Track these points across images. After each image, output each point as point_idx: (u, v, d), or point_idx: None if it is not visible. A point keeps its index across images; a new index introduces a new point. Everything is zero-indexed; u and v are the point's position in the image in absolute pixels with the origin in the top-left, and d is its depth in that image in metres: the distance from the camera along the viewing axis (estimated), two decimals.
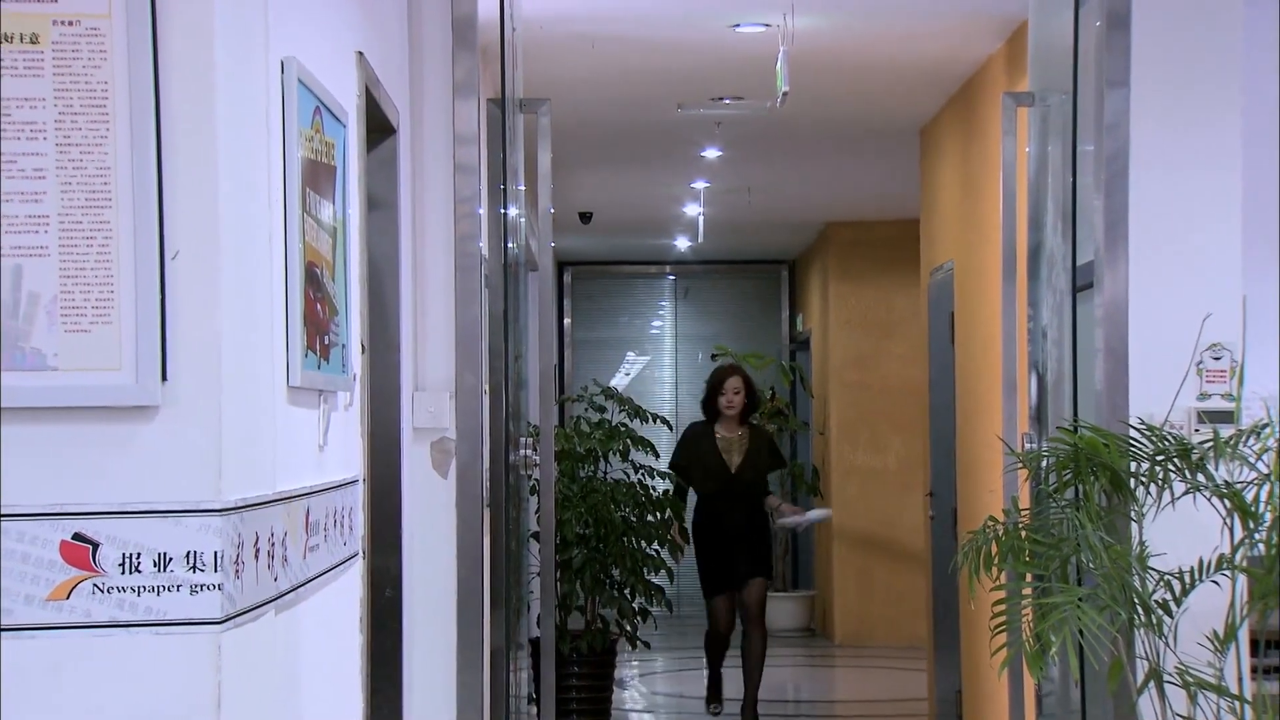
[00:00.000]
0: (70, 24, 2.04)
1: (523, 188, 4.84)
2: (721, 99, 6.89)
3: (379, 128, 3.59)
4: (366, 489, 3.32)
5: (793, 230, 11.66)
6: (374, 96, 3.36)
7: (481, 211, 4.20)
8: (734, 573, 7.35)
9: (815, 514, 8.74)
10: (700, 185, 9.39)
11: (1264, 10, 4.28)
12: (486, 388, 4.39)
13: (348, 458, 3.09)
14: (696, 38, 5.93)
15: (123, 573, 2.07)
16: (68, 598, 2.07)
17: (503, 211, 4.51)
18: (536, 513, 5.53)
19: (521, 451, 4.63)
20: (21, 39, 2.03)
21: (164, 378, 2.09)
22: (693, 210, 10.20)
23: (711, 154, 8.27)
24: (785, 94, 5.64)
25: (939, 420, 7.20)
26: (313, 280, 2.67)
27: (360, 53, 3.20)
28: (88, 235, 2.06)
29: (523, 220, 4.93)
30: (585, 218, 10.50)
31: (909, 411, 9.48)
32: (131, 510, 2.08)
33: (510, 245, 4.55)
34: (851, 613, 10.79)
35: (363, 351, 3.26)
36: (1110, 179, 3.96)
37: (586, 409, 7.90)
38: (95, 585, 2.07)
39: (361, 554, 3.26)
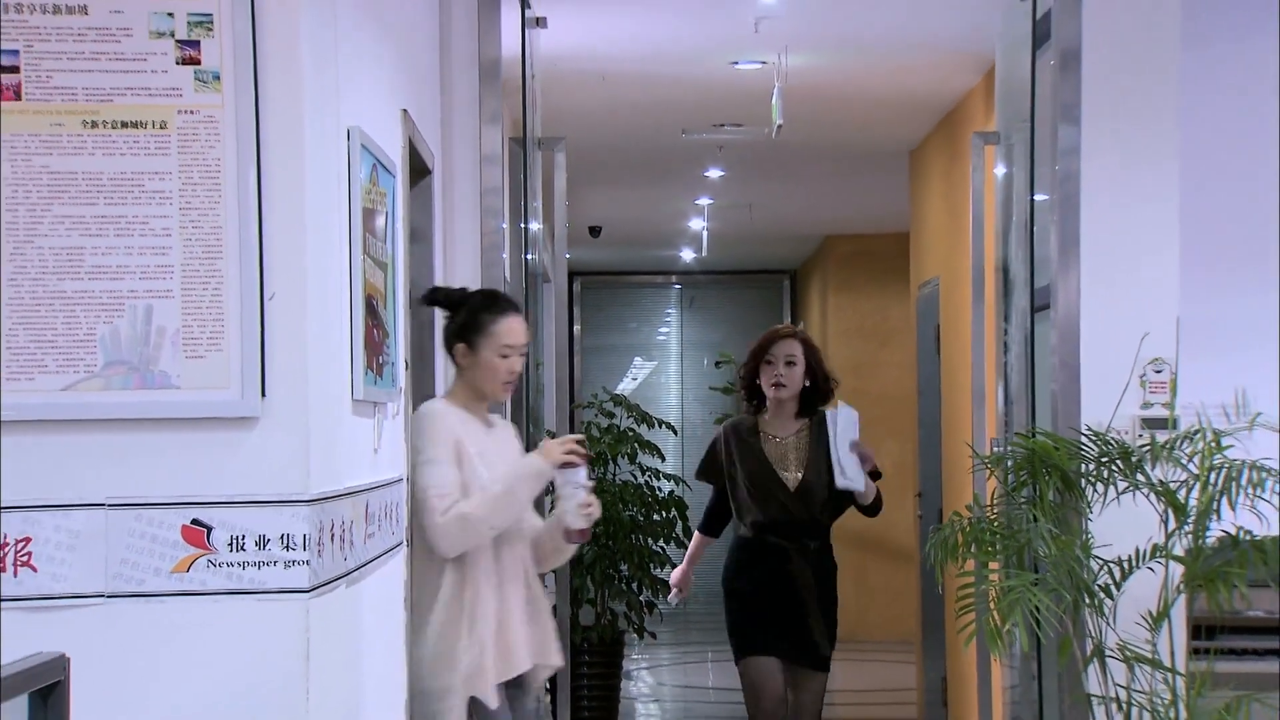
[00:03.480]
0: (192, 113, 2.55)
1: (539, 204, 5.32)
2: (723, 125, 7.40)
3: (417, 170, 4.08)
4: (408, 487, 3.82)
5: (794, 242, 12.16)
6: (414, 145, 3.86)
7: (504, 227, 4.69)
8: (785, 643, 4.88)
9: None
10: (704, 202, 9.89)
11: (1199, 55, 4.78)
12: (509, 397, 4.87)
13: (395, 459, 3.59)
14: (699, 73, 6.44)
15: (231, 551, 2.58)
16: (187, 570, 2.58)
17: (523, 227, 5.00)
18: (551, 511, 6.02)
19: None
20: (153, 125, 2.54)
21: (263, 394, 2.60)
22: (697, 224, 10.70)
23: (714, 174, 8.78)
24: (780, 126, 6.15)
25: (927, 425, 7.69)
26: (371, 310, 3.18)
27: (405, 110, 3.71)
28: (204, 281, 2.57)
29: (540, 239, 5.42)
30: (594, 231, 11.01)
31: (904, 417, 9.95)
32: (238, 500, 2.59)
33: (529, 257, 5.03)
34: (849, 610, 11.13)
35: (406, 368, 3.76)
36: (1063, 211, 4.46)
37: (596, 414, 8.39)
38: (209, 561, 2.58)
39: (404, 543, 3.76)
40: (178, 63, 2.54)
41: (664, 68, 6.33)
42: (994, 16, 5.22)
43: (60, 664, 1.94)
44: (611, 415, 8.27)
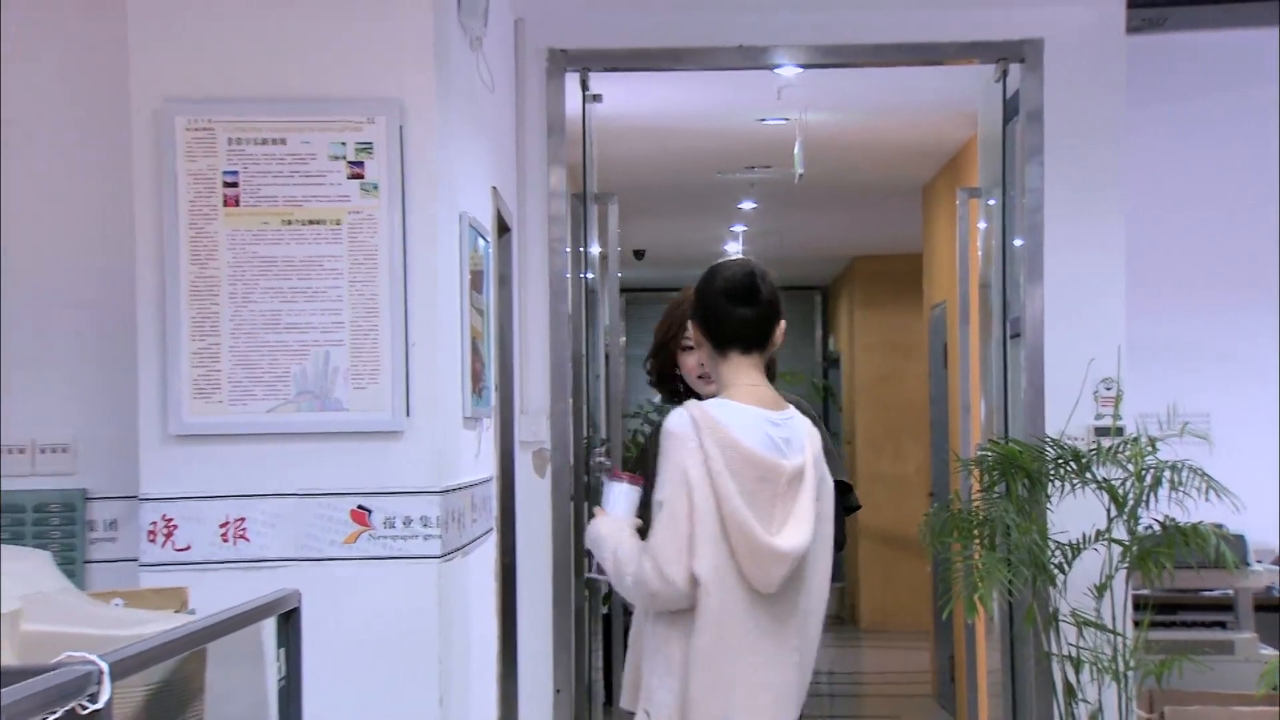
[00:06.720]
0: (358, 213, 3.54)
1: (595, 237, 6.25)
2: (753, 168, 8.35)
3: (501, 228, 5.07)
4: (497, 484, 4.81)
5: (824, 262, 13.07)
6: (500, 212, 4.85)
7: (566, 252, 5.64)
8: None
9: None
10: (739, 229, 10.85)
11: (1143, 116, 5.72)
12: (571, 409, 5.84)
13: (489, 462, 4.58)
14: (730, 127, 7.38)
15: (385, 528, 3.57)
16: (354, 543, 3.56)
17: (582, 250, 5.95)
18: None
19: (597, 459, 6.07)
20: (330, 222, 3.53)
21: (407, 414, 3.58)
22: (733, 247, 11.65)
23: (747, 205, 9.73)
24: (801, 174, 7.12)
25: (938, 431, 8.62)
26: (474, 348, 4.16)
27: (494, 187, 4.69)
28: (365, 333, 3.56)
29: (596, 265, 6.36)
30: (639, 254, 11.97)
31: (923, 424, 10.84)
32: (390, 491, 3.58)
33: (588, 276, 5.98)
34: (875, 602, 12.18)
35: (495, 389, 4.75)
36: (1030, 256, 5.40)
37: (642, 423, 9.34)
38: (369, 535, 3.57)
39: (494, 529, 4.74)
40: (348, 177, 3.53)
41: (700, 124, 7.29)
42: (980, 85, 6.15)
43: (296, 597, 2.92)
44: (656, 423, 9.17)
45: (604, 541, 3.08)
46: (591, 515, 3.24)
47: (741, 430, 2.99)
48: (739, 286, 3.16)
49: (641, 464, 3.65)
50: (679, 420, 3.00)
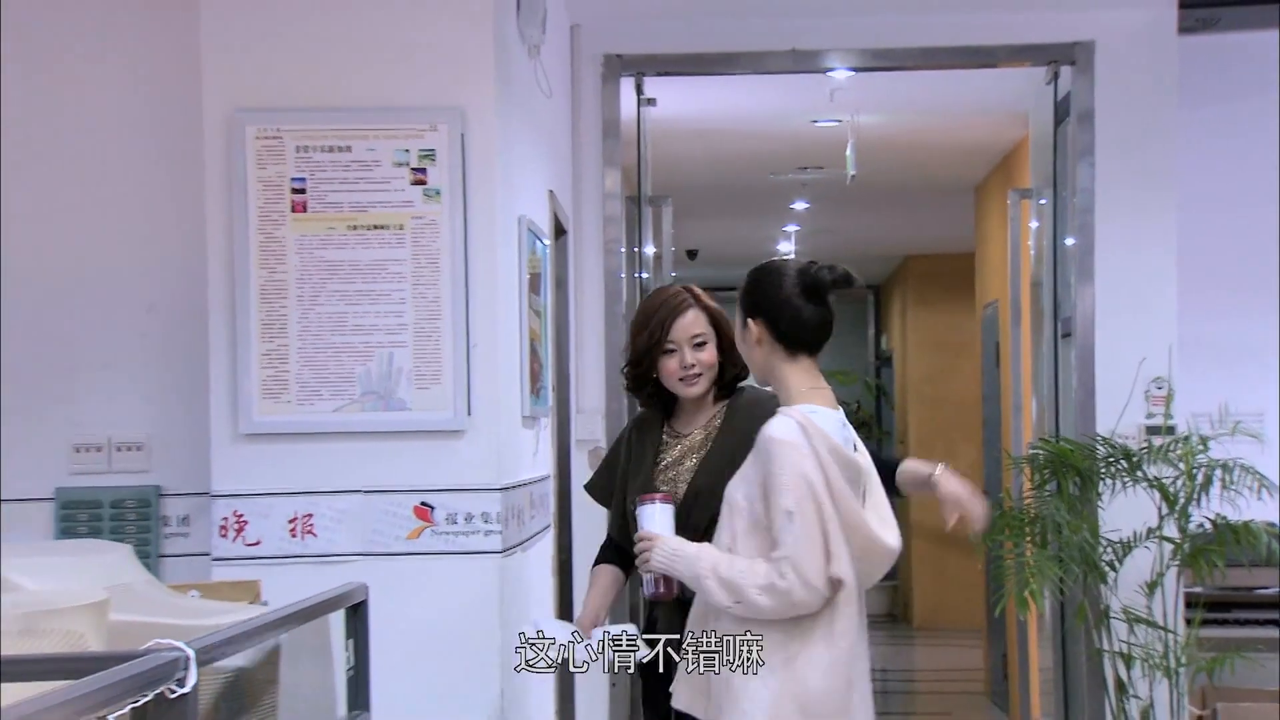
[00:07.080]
0: (420, 218, 3.65)
1: (649, 238, 6.35)
2: (805, 169, 8.41)
3: (557, 232, 5.16)
4: (554, 482, 4.91)
5: (876, 261, 13.09)
6: (557, 216, 4.95)
7: (621, 251, 5.74)
8: None
9: None
10: (792, 229, 10.91)
11: (1196, 117, 5.75)
12: (626, 409, 5.93)
13: (546, 460, 4.68)
14: (783, 129, 7.45)
15: (448, 524, 3.67)
16: (417, 538, 3.66)
17: (637, 250, 6.05)
18: None
19: None
20: (394, 227, 3.64)
21: (469, 413, 3.68)
22: (785, 247, 11.70)
23: (800, 205, 9.79)
24: (853, 175, 7.17)
25: (989, 430, 8.65)
26: (532, 350, 4.26)
27: (551, 191, 4.79)
28: (428, 334, 3.66)
29: (650, 265, 6.45)
30: (692, 254, 12.05)
31: (975, 423, 10.83)
32: (452, 488, 3.68)
33: (643, 276, 6.06)
34: (928, 600, 12.20)
35: (552, 389, 4.84)
36: (1080, 257, 5.45)
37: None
38: (432, 531, 3.67)
39: (551, 525, 4.84)
40: (411, 183, 3.64)
41: (752, 126, 7.36)
42: (1032, 87, 6.19)
43: (363, 590, 3.02)
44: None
45: (695, 561, 2.98)
46: (631, 541, 3.22)
47: (833, 434, 3.00)
48: (822, 287, 3.09)
49: (615, 456, 3.57)
50: (788, 428, 2.95)
